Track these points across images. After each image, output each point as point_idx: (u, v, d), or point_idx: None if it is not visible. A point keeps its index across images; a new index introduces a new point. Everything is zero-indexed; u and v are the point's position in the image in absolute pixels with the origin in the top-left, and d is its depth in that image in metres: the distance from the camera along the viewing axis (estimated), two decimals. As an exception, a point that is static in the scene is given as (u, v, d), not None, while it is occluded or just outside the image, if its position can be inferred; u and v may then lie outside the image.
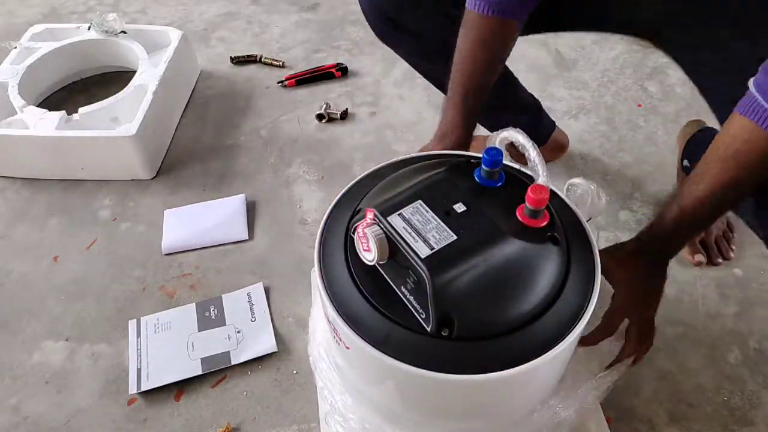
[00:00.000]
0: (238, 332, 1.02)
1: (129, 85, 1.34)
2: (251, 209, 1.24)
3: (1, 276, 1.14)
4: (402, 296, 0.59)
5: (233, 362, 0.98)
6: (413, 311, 0.58)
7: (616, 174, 1.28)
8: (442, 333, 0.55)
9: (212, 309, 1.06)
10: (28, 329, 1.05)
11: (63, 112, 1.27)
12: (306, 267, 1.13)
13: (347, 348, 0.61)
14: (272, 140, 1.41)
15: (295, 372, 0.98)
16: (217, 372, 0.98)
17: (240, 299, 1.07)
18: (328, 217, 0.69)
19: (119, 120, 1.31)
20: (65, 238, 1.20)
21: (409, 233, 0.57)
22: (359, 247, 0.61)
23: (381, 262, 0.60)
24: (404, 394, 0.63)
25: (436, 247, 0.56)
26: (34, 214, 1.25)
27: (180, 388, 0.96)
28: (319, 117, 1.44)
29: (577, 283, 0.60)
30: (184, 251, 1.17)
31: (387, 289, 0.60)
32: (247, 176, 1.32)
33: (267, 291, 1.09)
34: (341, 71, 1.56)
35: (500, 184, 0.64)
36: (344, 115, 1.44)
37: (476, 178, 0.64)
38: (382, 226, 0.59)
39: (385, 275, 0.61)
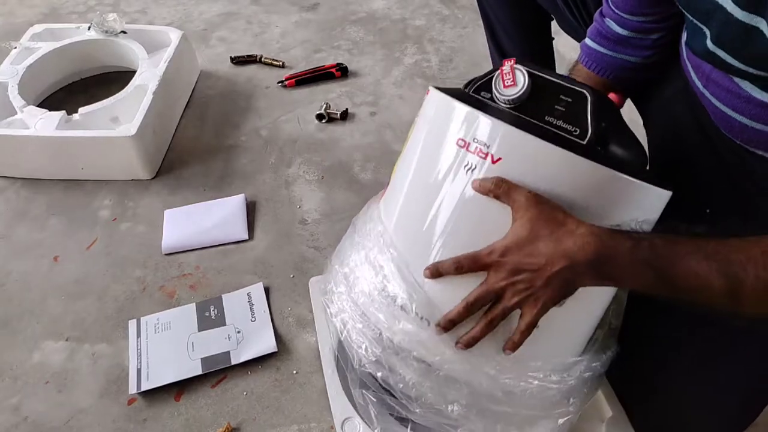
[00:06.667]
0: (238, 332, 1.02)
1: (129, 85, 1.34)
2: (251, 209, 1.24)
3: (1, 276, 1.14)
4: (547, 126, 0.62)
5: (233, 362, 0.98)
6: (563, 133, 0.61)
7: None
8: (597, 148, 0.60)
9: (212, 309, 1.06)
10: (28, 329, 1.05)
11: (63, 112, 1.27)
12: (306, 267, 1.13)
13: (494, 162, 0.59)
14: (272, 140, 1.41)
15: (295, 372, 0.98)
16: (217, 372, 0.98)
17: (240, 299, 1.07)
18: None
19: (119, 120, 1.31)
20: (65, 238, 1.20)
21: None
22: (500, 86, 0.63)
23: (523, 97, 0.62)
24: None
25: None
26: (34, 214, 1.25)
27: (180, 388, 0.96)
28: (319, 117, 1.44)
29: None
30: (184, 251, 1.17)
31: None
32: (247, 176, 1.32)
33: (267, 291, 1.09)
34: (341, 71, 1.56)
35: None
36: (344, 115, 1.44)
37: None
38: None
39: (519, 115, 0.63)
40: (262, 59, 1.62)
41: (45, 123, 1.26)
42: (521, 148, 0.59)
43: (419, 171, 0.67)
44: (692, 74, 0.70)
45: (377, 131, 1.42)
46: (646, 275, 0.55)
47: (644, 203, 0.61)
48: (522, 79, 0.62)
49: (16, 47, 1.45)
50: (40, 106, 1.35)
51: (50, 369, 1.00)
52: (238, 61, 1.62)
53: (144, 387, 0.95)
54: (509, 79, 0.63)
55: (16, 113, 1.30)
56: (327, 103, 1.45)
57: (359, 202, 1.25)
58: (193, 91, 1.54)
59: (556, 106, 0.62)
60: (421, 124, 0.68)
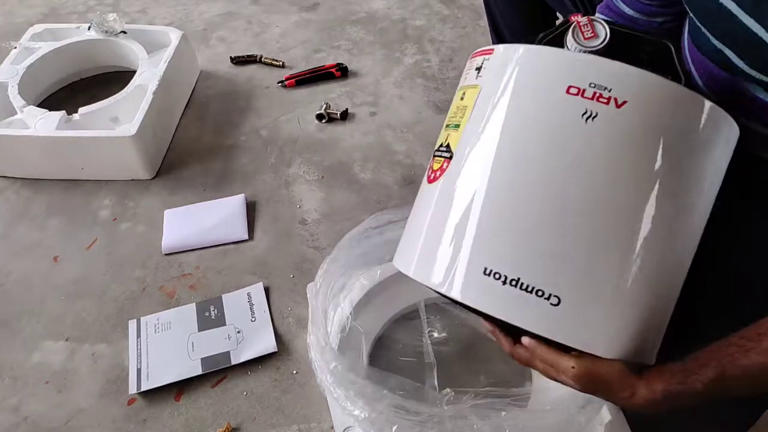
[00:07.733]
0: (238, 332, 1.02)
1: (129, 85, 1.34)
2: (251, 209, 1.24)
3: (1, 276, 1.14)
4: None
5: (233, 362, 0.98)
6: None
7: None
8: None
9: (212, 309, 1.06)
10: (28, 329, 1.05)
11: (63, 112, 1.27)
12: (306, 267, 1.13)
13: (619, 106, 0.57)
14: (272, 140, 1.41)
15: (295, 372, 0.98)
16: (217, 372, 0.98)
17: (240, 299, 1.07)
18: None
19: (119, 120, 1.31)
20: (65, 238, 1.20)
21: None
22: (580, 38, 0.61)
23: (605, 48, 0.61)
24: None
25: None
26: (34, 214, 1.25)
27: (180, 388, 0.96)
28: (319, 117, 1.44)
29: None
30: (184, 251, 1.17)
31: None
32: (247, 176, 1.32)
33: (267, 291, 1.09)
34: (341, 71, 1.56)
35: None
36: (344, 115, 1.44)
37: None
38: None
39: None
40: (262, 59, 1.62)
41: (45, 123, 1.26)
42: (647, 89, 0.56)
43: (514, 134, 0.60)
44: (694, 72, 0.70)
45: (377, 131, 1.42)
46: (717, 384, 0.54)
47: (731, 140, 0.61)
48: (602, 30, 0.61)
49: (16, 47, 1.45)
50: (40, 106, 1.35)
51: (50, 369, 1.00)
52: (238, 61, 1.62)
53: (144, 387, 0.95)
54: (588, 30, 0.61)
55: (16, 113, 1.30)
56: (327, 103, 1.45)
57: (359, 202, 1.25)
58: (193, 91, 1.54)
59: (639, 56, 0.61)
60: (496, 84, 0.62)
